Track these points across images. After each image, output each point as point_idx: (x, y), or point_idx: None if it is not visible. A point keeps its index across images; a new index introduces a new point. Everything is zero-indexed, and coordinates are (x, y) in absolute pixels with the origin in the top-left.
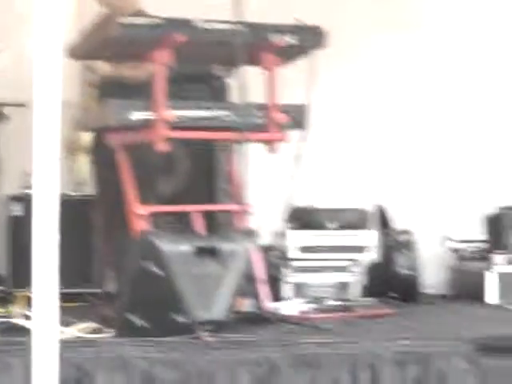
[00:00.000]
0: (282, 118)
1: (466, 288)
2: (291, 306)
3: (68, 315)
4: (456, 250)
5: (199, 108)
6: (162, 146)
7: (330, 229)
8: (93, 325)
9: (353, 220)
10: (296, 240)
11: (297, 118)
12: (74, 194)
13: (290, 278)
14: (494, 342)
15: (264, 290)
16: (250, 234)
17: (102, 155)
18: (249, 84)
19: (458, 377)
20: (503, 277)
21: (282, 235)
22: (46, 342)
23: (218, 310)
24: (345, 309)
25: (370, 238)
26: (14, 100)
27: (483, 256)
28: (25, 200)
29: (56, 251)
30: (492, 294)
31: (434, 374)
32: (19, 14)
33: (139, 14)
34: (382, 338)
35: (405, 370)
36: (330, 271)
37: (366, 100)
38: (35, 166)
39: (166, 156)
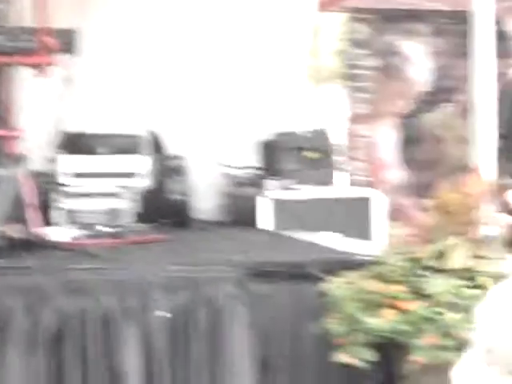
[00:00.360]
0: (52, 41)
1: (239, 214)
2: (62, 233)
3: None
4: (230, 176)
5: None
6: None
7: (101, 154)
8: None
9: (125, 145)
10: (67, 165)
11: (67, 41)
12: None
13: (62, 204)
14: (263, 267)
15: (34, 216)
16: (20, 159)
17: None
18: (23, 8)
19: (227, 302)
20: (277, 203)
21: (53, 161)
22: None
23: None
24: (116, 235)
25: (142, 164)
26: None
27: (257, 182)
28: None
29: None
30: (265, 219)
31: (203, 299)
32: None
33: None
34: (152, 264)
35: (174, 295)
36: (101, 197)
37: (139, 25)
38: None
39: None
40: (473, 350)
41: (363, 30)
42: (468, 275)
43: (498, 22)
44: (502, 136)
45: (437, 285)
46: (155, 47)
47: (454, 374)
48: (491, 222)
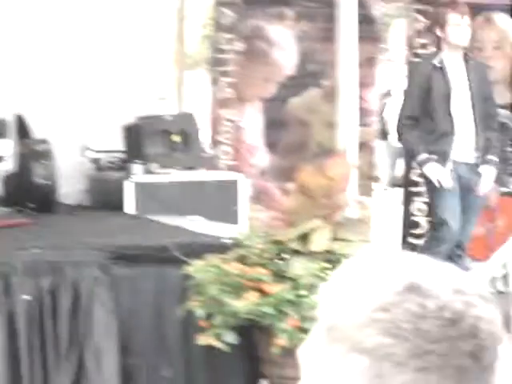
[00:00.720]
0: None
1: (104, 198)
2: None
3: None
4: (95, 160)
5: None
6: None
7: None
8: None
9: None
10: None
11: None
12: None
13: None
14: (127, 251)
15: None
16: None
17: None
18: None
19: (91, 285)
20: (142, 186)
21: None
22: None
23: None
24: None
25: (6, 147)
26: None
27: (122, 166)
28: None
29: None
30: (131, 203)
31: (67, 283)
32: None
33: None
34: (15, 248)
35: (38, 279)
36: None
37: (3, 6)
38: None
39: None
40: (316, 329)
41: (229, 15)
42: (330, 257)
43: (365, 7)
44: (413, 118)
45: (299, 267)
46: (20, 29)
47: (300, 353)
48: (353, 204)
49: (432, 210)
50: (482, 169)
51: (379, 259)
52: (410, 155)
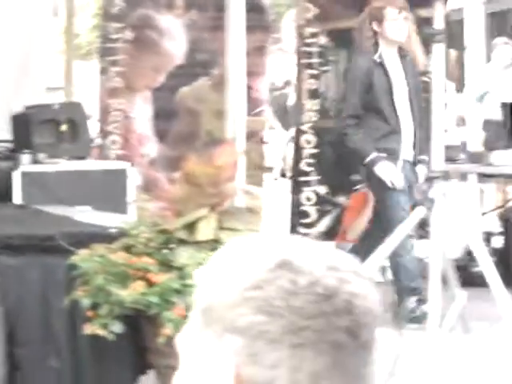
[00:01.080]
0: None
1: None
2: None
3: None
4: None
5: None
6: None
7: None
8: None
9: None
10: None
11: None
12: None
13: None
14: (11, 240)
15: None
16: None
17: None
18: None
19: None
20: (28, 176)
21: None
22: None
23: None
24: None
25: None
26: None
27: (9, 155)
28: None
29: None
30: (17, 193)
31: None
32: None
33: None
34: None
35: None
36: None
37: None
38: None
39: None
40: (193, 313)
41: (118, 3)
42: (216, 247)
43: None
44: (356, 117)
45: (185, 257)
46: None
47: (178, 339)
48: (240, 193)
49: (382, 212)
50: (418, 168)
51: (252, 240)
52: (358, 158)
